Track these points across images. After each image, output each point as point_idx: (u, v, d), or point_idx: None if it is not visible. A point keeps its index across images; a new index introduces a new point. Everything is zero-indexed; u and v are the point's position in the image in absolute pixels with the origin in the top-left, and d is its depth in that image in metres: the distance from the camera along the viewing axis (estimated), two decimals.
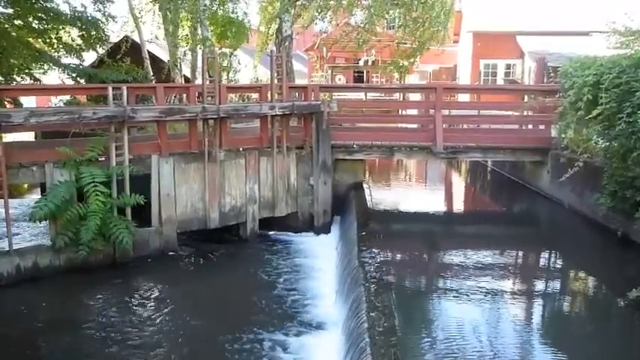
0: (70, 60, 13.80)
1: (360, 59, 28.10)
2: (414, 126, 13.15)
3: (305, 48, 31.16)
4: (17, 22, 12.52)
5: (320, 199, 9.81)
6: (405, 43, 18.91)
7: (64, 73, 13.02)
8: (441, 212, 11.40)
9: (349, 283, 6.29)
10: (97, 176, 7.51)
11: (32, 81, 13.13)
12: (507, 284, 6.61)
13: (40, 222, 7.56)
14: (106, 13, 13.73)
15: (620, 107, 6.97)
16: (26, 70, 12.77)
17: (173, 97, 14.10)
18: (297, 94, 10.86)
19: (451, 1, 16.75)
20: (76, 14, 12.97)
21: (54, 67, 13.14)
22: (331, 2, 16.46)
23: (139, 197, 7.96)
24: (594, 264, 7.23)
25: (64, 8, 12.99)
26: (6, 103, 10.59)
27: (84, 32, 13.25)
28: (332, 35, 21.42)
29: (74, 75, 13.08)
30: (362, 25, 17.36)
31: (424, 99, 12.63)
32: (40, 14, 12.50)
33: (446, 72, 30.19)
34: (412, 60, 18.60)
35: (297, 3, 16.04)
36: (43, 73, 13.87)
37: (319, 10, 16.60)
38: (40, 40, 13.27)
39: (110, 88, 7.90)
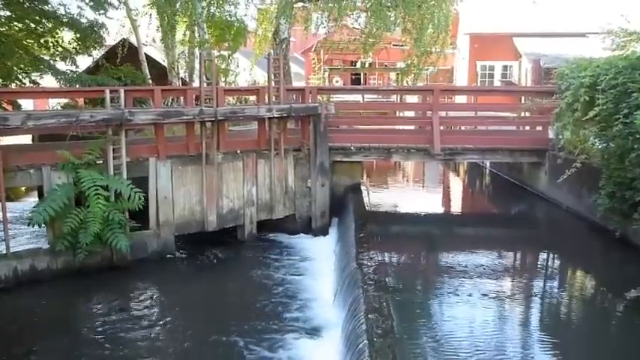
0: (65, 65, 13.77)
1: (357, 61, 28.08)
2: (412, 128, 13.15)
3: (302, 50, 31.19)
4: (15, 24, 12.51)
5: (318, 201, 9.81)
6: (403, 46, 18.85)
7: (59, 81, 12.94)
8: (438, 214, 11.40)
9: (347, 285, 6.28)
10: (98, 180, 7.47)
11: (30, 84, 13.10)
12: (505, 286, 6.62)
13: (39, 226, 7.52)
14: (102, 17, 13.73)
15: (617, 108, 7.00)
16: (24, 75, 12.73)
17: (170, 100, 14.09)
18: (294, 96, 10.86)
19: (448, 7, 16.63)
20: (74, 18, 12.96)
21: (51, 74, 13.09)
22: (330, 4, 16.41)
23: (138, 201, 7.85)
24: (593, 265, 7.24)
25: (61, 11, 13.01)
26: (4, 105, 10.59)
27: (80, 36, 13.22)
28: (330, 38, 21.40)
29: (69, 82, 13.02)
30: (361, 28, 17.31)
31: (421, 101, 12.64)
32: (37, 17, 12.49)
33: (443, 74, 30.22)
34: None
35: (296, 6, 16.03)
36: (40, 77, 13.84)
37: (320, 13, 16.51)
38: (36, 44, 13.24)
39: (108, 91, 7.88)
